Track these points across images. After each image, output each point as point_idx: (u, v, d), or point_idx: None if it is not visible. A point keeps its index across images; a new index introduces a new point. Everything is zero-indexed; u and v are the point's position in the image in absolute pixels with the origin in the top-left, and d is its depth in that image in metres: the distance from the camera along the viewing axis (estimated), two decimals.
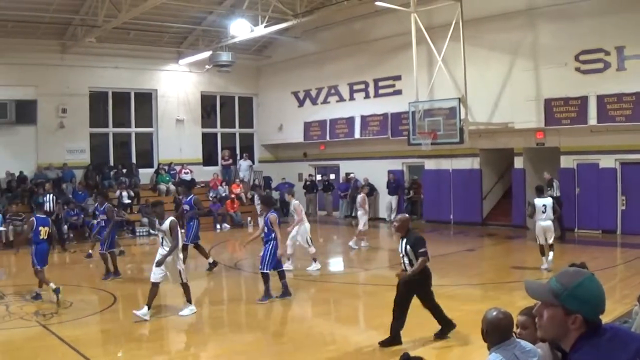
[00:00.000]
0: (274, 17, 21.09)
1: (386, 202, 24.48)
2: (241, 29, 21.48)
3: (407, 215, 8.92)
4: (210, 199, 24.99)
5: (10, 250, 18.53)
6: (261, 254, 11.34)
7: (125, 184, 23.84)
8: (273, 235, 11.15)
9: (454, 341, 8.42)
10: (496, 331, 4.05)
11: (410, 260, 8.23)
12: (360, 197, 18.47)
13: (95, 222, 16.56)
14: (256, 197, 19.73)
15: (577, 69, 18.35)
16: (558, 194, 17.77)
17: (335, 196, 26.91)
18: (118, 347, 8.86)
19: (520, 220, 19.94)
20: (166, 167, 25.90)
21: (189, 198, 15.57)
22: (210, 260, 14.73)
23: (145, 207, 22.49)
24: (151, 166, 26.50)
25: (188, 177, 26.14)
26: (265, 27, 21.36)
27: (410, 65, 20.32)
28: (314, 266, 14.40)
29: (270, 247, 11.10)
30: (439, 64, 19.76)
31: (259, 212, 17.31)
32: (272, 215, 11.32)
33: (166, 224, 10.04)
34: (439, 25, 20.00)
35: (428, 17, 20.26)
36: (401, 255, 8.35)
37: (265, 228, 11.31)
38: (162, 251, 10.05)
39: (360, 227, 18.09)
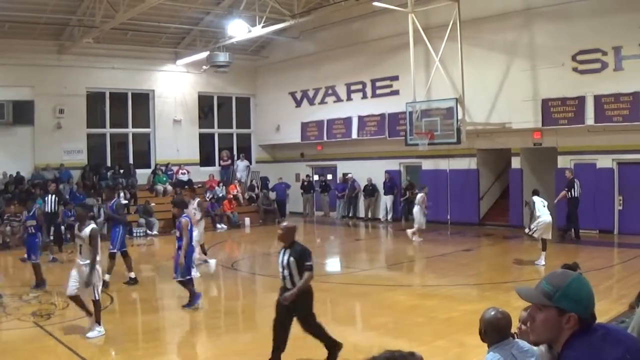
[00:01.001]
0: (272, 18, 21.10)
1: (383, 202, 24.48)
2: (238, 29, 21.48)
3: (293, 223, 7.80)
4: (207, 199, 24.97)
5: (6, 251, 18.47)
6: (175, 260, 10.81)
7: (122, 184, 23.81)
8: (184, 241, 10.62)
9: (450, 342, 8.41)
10: (495, 331, 4.06)
11: (290, 274, 7.25)
12: (420, 196, 19.04)
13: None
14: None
15: (575, 69, 18.36)
16: (577, 195, 17.80)
17: (332, 196, 26.90)
18: (115, 348, 8.84)
19: (518, 221, 19.96)
20: (163, 168, 25.88)
21: (111, 202, 14.55)
22: (132, 275, 13.24)
23: (142, 207, 22.51)
24: (148, 167, 26.46)
25: (185, 178, 26.13)
26: (263, 27, 21.37)
27: (408, 65, 20.33)
28: (194, 272, 13.30)
29: (183, 253, 10.56)
30: (437, 64, 19.76)
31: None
32: (184, 220, 10.79)
33: (86, 231, 8.97)
34: (437, 25, 20.01)
35: (425, 18, 20.27)
36: (281, 268, 7.34)
37: (178, 232, 10.90)
38: (79, 261, 9.06)
39: (416, 225, 18.84)
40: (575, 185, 17.79)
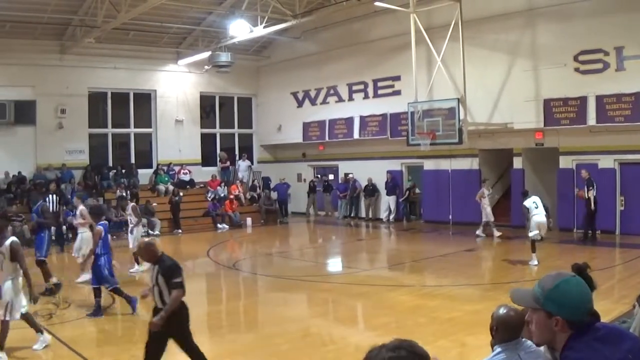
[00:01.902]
0: (273, 18, 21.09)
1: (384, 202, 24.46)
2: (240, 29, 21.47)
3: (150, 240, 7.15)
4: (209, 199, 25.00)
5: None
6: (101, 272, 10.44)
7: (124, 184, 23.82)
8: (102, 249, 10.42)
9: (452, 342, 8.40)
10: (506, 329, 3.91)
11: (160, 291, 6.57)
12: (480, 191, 19.26)
13: None
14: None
15: (577, 70, 18.33)
16: (595, 194, 17.58)
17: (334, 196, 26.89)
18: (116, 348, 8.85)
19: (520, 221, 19.90)
20: (165, 168, 25.90)
21: (36, 206, 13.89)
22: (54, 279, 11.94)
23: (143, 207, 22.50)
24: (150, 167, 26.49)
25: (187, 178, 26.17)
26: (265, 27, 21.36)
27: (410, 65, 20.31)
28: (83, 277, 12.82)
29: (104, 262, 10.40)
30: (438, 64, 19.75)
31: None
32: (97, 228, 10.60)
33: (6, 244, 7.93)
34: (438, 25, 20.00)
35: (427, 18, 20.26)
36: (152, 285, 6.72)
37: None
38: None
39: (485, 218, 19.29)
40: (594, 185, 17.69)
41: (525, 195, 14.87)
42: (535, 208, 14.11)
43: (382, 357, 2.16)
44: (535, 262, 13.96)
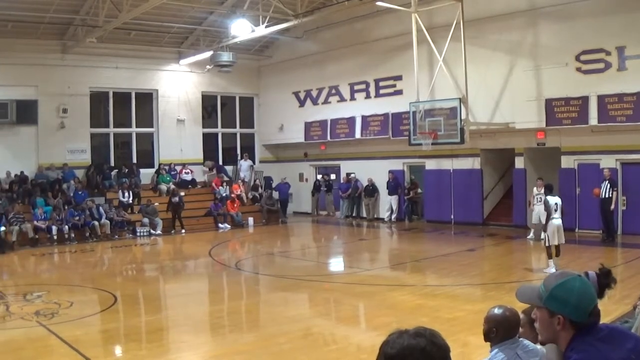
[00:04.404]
0: (275, 17, 21.09)
1: (386, 202, 24.46)
2: (242, 29, 21.48)
3: None
4: (217, 196, 24.98)
5: (11, 251, 18.48)
6: None
7: (126, 184, 23.83)
8: None
9: (454, 342, 8.40)
10: (506, 329, 3.94)
11: None
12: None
13: None
14: None
15: (578, 69, 18.32)
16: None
17: (335, 196, 26.90)
18: (119, 348, 8.87)
19: (521, 220, 19.94)
20: (167, 167, 25.90)
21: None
22: None
23: (145, 207, 22.54)
24: (152, 166, 26.47)
25: (189, 177, 26.17)
26: (266, 27, 21.37)
27: (411, 65, 20.31)
28: None
29: None
30: (440, 64, 19.74)
31: None
32: None
33: None
34: (440, 25, 20.00)
35: (429, 17, 20.26)
36: None
37: None
38: None
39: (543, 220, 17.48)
40: (617, 183, 17.56)
41: (551, 190, 13.86)
42: (555, 211, 13.22)
43: (401, 343, 2.16)
44: (553, 270, 12.66)
